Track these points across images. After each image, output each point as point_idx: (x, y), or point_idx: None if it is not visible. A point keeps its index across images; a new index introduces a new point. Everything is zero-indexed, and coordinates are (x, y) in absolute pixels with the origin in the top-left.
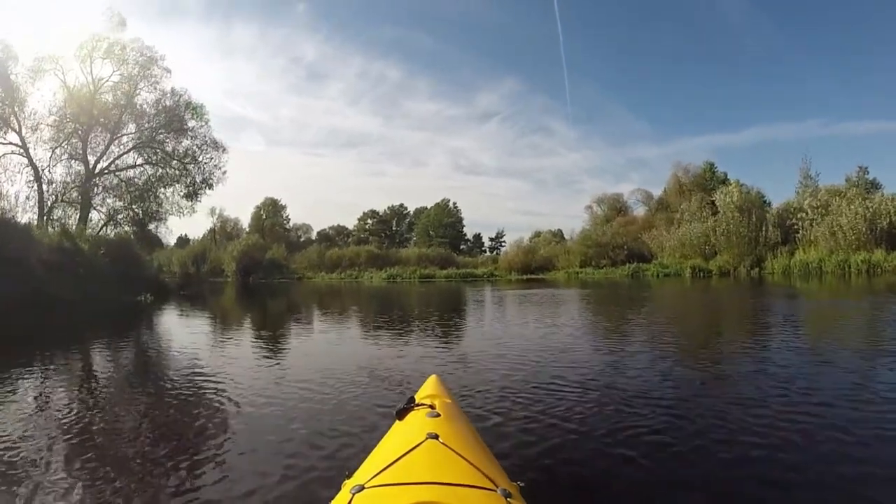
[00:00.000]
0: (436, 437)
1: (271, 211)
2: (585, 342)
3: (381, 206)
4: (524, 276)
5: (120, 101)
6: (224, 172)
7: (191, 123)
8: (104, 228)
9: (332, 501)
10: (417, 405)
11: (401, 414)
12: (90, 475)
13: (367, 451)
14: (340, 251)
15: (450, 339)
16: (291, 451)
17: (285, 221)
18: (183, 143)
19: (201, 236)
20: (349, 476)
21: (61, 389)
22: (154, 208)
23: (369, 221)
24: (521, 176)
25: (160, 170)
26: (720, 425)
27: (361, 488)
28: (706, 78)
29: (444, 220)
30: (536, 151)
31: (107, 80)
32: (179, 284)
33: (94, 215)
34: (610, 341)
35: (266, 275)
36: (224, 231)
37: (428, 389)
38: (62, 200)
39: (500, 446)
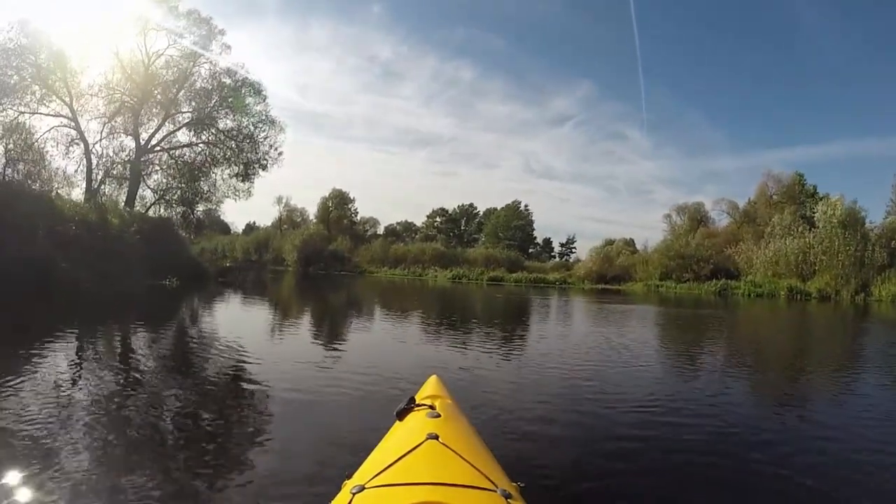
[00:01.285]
0: (436, 437)
1: (338, 202)
2: (636, 359)
3: (451, 206)
4: (599, 286)
5: (175, 75)
6: (280, 153)
7: (248, 101)
8: (153, 207)
9: (333, 502)
10: (418, 405)
11: (401, 414)
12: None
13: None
14: (406, 247)
15: (508, 352)
16: (296, 451)
17: (353, 214)
18: (238, 122)
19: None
20: (349, 476)
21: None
22: (205, 189)
23: (438, 219)
24: (593, 182)
25: (213, 149)
26: (724, 439)
27: (362, 488)
28: (787, 88)
29: (514, 223)
30: (610, 158)
31: (161, 54)
32: (220, 271)
33: (147, 193)
34: (667, 361)
35: (327, 266)
36: (290, 220)
37: (428, 390)
38: (110, 175)
39: (500, 446)
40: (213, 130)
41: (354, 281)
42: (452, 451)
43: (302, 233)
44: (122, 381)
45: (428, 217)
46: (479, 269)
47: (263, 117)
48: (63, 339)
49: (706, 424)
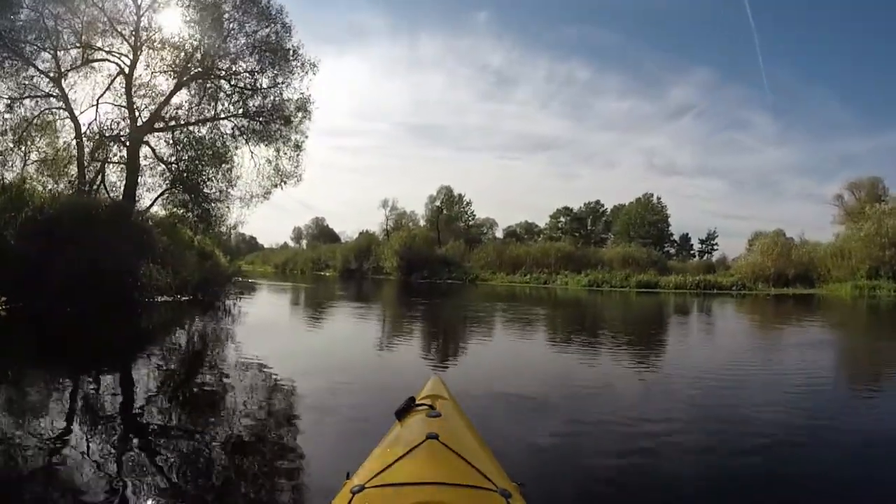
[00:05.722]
0: (436, 437)
1: (448, 201)
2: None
3: (575, 205)
4: (788, 290)
5: (189, 28)
6: (309, 98)
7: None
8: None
9: (333, 502)
10: (418, 405)
11: (401, 414)
12: None
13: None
14: (525, 248)
15: None
16: (296, 451)
17: (469, 217)
18: (245, 64)
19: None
20: (349, 476)
21: None
22: (229, 171)
23: (562, 219)
24: (717, 175)
25: (235, 118)
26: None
27: (362, 488)
28: None
29: (648, 219)
30: (734, 148)
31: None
32: (196, 285)
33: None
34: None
35: (432, 273)
36: (399, 225)
37: (428, 390)
38: (97, 160)
39: (500, 446)
40: (233, 93)
41: (457, 292)
42: (452, 450)
43: (402, 236)
44: None
45: (551, 217)
46: (620, 273)
47: (282, 48)
48: None
49: None
